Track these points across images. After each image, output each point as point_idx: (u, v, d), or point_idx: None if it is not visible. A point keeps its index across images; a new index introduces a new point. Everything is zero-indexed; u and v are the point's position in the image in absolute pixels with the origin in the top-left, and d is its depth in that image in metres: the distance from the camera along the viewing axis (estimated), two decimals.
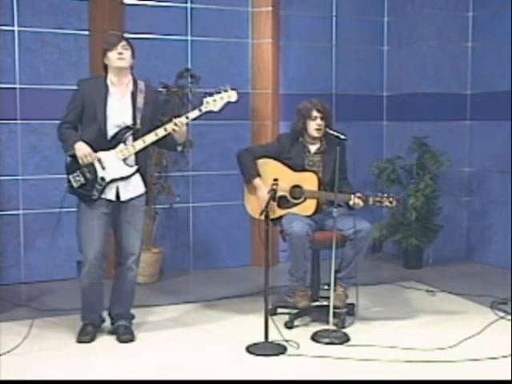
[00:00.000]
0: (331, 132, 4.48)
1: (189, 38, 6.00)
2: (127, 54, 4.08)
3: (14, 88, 5.47)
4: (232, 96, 4.17)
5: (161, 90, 5.48)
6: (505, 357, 3.92)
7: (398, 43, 6.61)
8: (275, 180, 4.59)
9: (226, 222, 6.23)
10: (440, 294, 5.33)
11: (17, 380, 3.61)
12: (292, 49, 6.36)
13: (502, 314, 4.73)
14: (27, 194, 5.58)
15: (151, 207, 5.73)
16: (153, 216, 5.73)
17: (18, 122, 5.50)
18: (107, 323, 4.35)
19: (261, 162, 4.71)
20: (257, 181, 4.65)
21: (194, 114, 4.14)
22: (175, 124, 4.07)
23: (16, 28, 5.45)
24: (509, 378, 3.63)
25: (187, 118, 4.12)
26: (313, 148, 4.72)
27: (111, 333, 4.30)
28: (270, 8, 6.09)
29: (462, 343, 4.17)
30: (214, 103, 4.15)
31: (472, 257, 6.56)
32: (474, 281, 5.76)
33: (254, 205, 4.64)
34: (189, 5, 5.99)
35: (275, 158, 4.70)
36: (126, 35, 5.53)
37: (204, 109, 4.14)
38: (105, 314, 4.35)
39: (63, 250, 5.62)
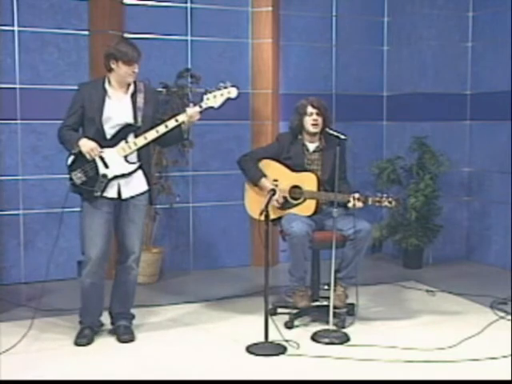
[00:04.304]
0: (331, 132, 4.48)
1: (189, 38, 6.00)
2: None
3: (14, 88, 5.47)
4: (232, 92, 4.16)
5: (161, 89, 5.48)
6: (505, 357, 3.92)
7: (398, 43, 6.61)
8: (275, 181, 4.61)
9: (226, 222, 6.23)
10: (440, 294, 5.33)
11: (17, 380, 3.61)
12: (292, 49, 6.36)
13: (502, 314, 4.73)
14: (27, 194, 5.58)
15: (151, 207, 5.73)
16: (153, 216, 5.73)
17: (18, 122, 5.50)
18: (107, 323, 4.35)
19: (260, 163, 4.72)
20: (263, 181, 4.65)
21: (195, 110, 4.14)
22: (187, 114, 4.09)
23: (16, 28, 5.45)
24: (509, 378, 3.63)
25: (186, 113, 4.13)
26: (312, 146, 4.72)
27: (111, 333, 4.30)
28: (270, 8, 6.09)
29: (461, 343, 4.17)
30: (214, 99, 4.15)
31: (472, 257, 6.56)
32: (473, 281, 5.76)
33: (254, 205, 4.64)
34: (189, 5, 5.99)
35: (275, 159, 4.71)
36: (126, 35, 5.57)
37: (204, 105, 4.15)
38: (104, 317, 4.33)
39: (63, 250, 5.62)
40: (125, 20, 5.74)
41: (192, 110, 4.12)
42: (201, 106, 4.15)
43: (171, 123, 4.10)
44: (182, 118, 4.11)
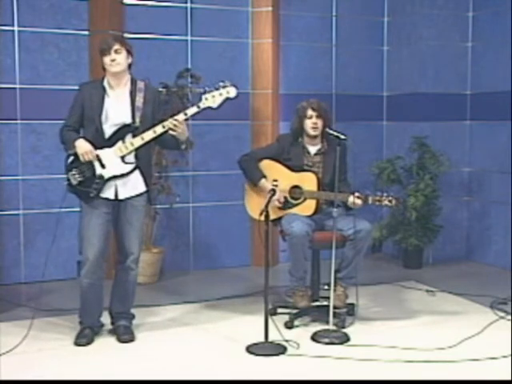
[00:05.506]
0: (331, 132, 4.48)
1: (189, 38, 6.00)
2: (120, 57, 4.05)
3: (14, 88, 5.47)
4: (231, 92, 4.11)
5: (161, 89, 5.48)
6: (505, 357, 3.92)
7: (398, 43, 6.61)
8: (274, 181, 4.61)
9: (226, 222, 6.22)
10: (440, 294, 5.33)
11: (17, 380, 3.61)
12: (292, 49, 6.36)
13: (502, 314, 4.73)
14: (27, 194, 5.58)
15: (151, 207, 5.73)
16: (153, 216, 5.73)
17: (18, 122, 5.50)
18: (107, 323, 4.35)
19: (260, 163, 4.71)
20: (263, 181, 4.65)
21: (192, 110, 4.11)
22: (174, 120, 4.06)
23: (16, 28, 5.45)
24: (509, 378, 3.63)
25: (185, 114, 4.09)
26: (313, 149, 4.72)
27: (111, 333, 4.30)
28: (270, 8, 6.09)
29: (461, 343, 4.17)
30: (212, 99, 4.10)
31: (472, 257, 6.56)
32: (473, 281, 5.76)
33: (254, 205, 4.64)
34: (189, 5, 5.99)
35: (275, 159, 4.71)
36: (126, 35, 5.57)
37: (202, 105, 4.11)
38: (104, 317, 4.33)
39: (63, 250, 5.62)
40: (125, 20, 5.74)
41: (174, 121, 4.04)
42: (199, 107, 4.11)
43: (168, 123, 4.06)
44: (168, 124, 4.06)
